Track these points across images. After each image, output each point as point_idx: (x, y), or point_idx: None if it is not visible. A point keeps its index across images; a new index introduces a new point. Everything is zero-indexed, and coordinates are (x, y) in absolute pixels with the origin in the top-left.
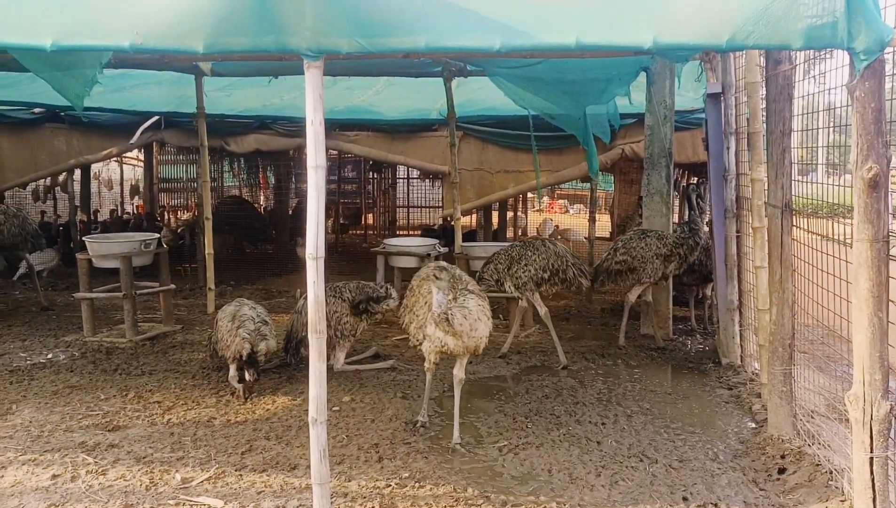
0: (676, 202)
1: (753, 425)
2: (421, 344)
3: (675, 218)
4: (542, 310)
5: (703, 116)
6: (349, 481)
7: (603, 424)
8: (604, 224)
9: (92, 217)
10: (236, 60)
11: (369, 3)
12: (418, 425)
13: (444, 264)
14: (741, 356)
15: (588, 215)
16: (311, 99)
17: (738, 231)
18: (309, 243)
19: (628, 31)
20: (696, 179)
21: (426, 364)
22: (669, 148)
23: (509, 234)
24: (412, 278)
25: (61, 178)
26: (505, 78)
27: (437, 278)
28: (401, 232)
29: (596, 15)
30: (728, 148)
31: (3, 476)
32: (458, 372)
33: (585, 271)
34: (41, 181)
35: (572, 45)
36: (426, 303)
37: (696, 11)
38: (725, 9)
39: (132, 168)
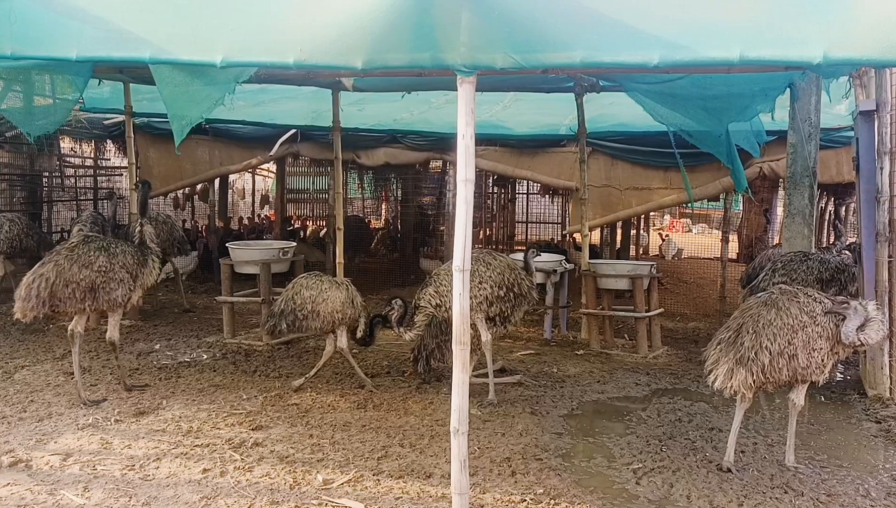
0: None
1: None
2: None
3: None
4: (486, 337)
5: (848, 134)
6: (484, 493)
7: (742, 452)
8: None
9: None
10: (381, 77)
11: (525, 18)
12: None
13: None
14: (891, 389)
15: (721, 235)
16: (463, 114)
17: (890, 256)
18: (456, 256)
19: (796, 45)
20: (833, 199)
21: None
22: (814, 167)
23: (631, 252)
24: None
25: (199, 187)
26: (643, 94)
27: None
28: (518, 247)
29: (760, 29)
30: (881, 168)
31: (158, 468)
32: None
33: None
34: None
35: (735, 59)
36: None
37: (873, 25)
38: None
39: (262, 179)
